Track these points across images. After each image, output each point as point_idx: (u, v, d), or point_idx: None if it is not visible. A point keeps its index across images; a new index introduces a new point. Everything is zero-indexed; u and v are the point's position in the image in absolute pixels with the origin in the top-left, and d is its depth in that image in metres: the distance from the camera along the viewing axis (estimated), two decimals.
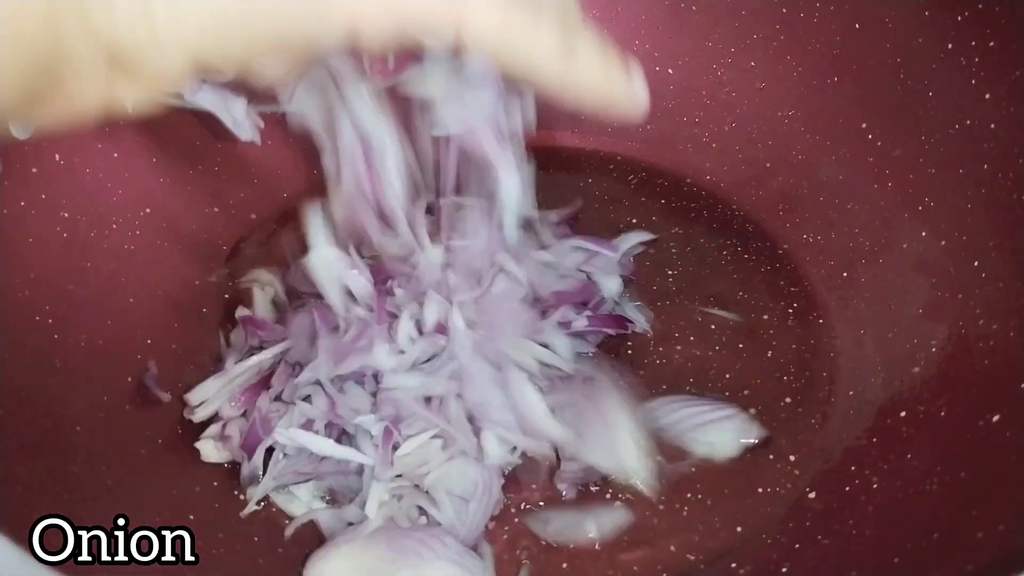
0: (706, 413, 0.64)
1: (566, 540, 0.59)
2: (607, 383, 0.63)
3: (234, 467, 0.63)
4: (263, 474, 0.62)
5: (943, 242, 0.68)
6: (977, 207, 0.66)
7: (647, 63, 0.89)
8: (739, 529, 0.59)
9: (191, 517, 0.58)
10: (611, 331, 0.70)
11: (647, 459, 0.61)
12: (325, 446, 0.60)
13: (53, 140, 0.68)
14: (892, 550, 0.52)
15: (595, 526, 0.59)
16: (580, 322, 0.68)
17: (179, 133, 0.78)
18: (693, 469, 0.62)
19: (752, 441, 0.63)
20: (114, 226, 0.71)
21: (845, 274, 0.74)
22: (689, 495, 0.61)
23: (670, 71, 0.90)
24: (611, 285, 0.73)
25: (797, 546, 0.57)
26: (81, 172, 0.70)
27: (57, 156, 0.68)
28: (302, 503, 0.61)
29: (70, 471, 0.55)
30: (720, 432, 0.63)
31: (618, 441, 0.61)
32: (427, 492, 0.60)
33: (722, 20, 0.87)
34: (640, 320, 0.72)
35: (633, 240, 0.79)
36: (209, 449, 0.63)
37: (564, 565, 0.58)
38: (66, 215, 0.68)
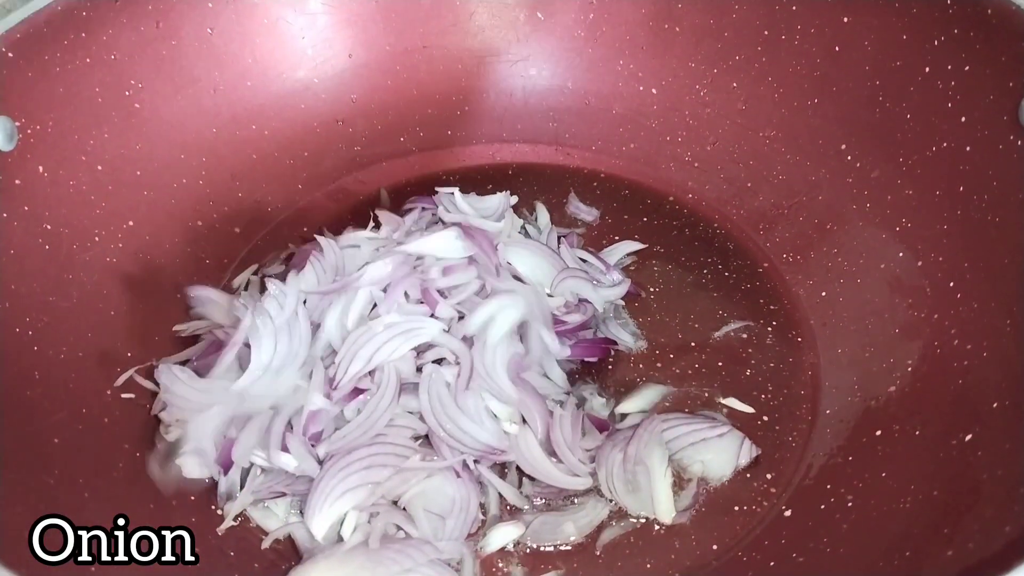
0: (702, 431, 0.64)
1: (545, 541, 0.60)
2: (649, 433, 0.63)
3: (212, 481, 0.63)
4: (240, 490, 0.62)
5: (920, 263, 0.69)
6: (953, 228, 0.67)
7: (630, 83, 0.92)
8: (715, 547, 0.60)
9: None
10: (594, 358, 0.71)
11: (674, 502, 0.61)
12: (291, 462, 0.60)
13: (37, 152, 0.68)
14: (864, 568, 0.52)
15: (573, 526, 0.60)
16: (564, 351, 0.69)
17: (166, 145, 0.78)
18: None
19: (745, 462, 0.64)
20: (96, 239, 0.71)
21: (824, 293, 0.75)
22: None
23: (653, 91, 0.91)
24: (608, 295, 0.74)
25: (772, 564, 0.57)
26: (64, 185, 0.70)
27: (40, 168, 0.68)
28: (279, 518, 0.61)
29: (46, 483, 0.55)
30: (715, 451, 0.63)
31: (657, 491, 0.61)
32: (403, 509, 0.60)
33: (704, 41, 0.88)
34: (626, 338, 0.72)
35: (623, 251, 0.79)
36: (191, 466, 0.63)
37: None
38: (48, 227, 0.68)
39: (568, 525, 0.59)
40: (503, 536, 0.59)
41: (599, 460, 0.63)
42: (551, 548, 0.60)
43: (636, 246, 0.81)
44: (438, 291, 0.67)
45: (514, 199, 0.80)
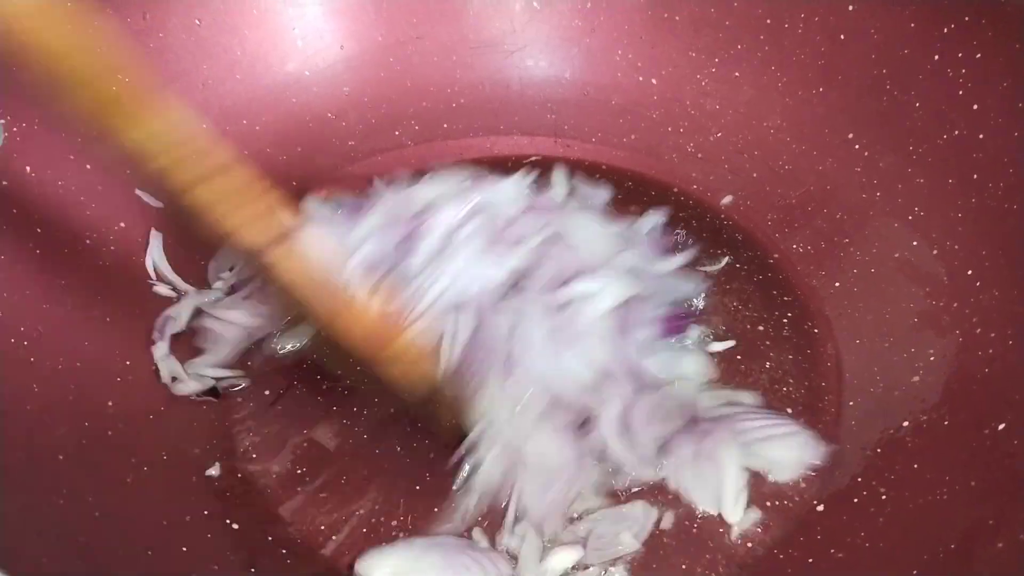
0: (770, 428, 0.62)
1: (609, 557, 0.57)
2: (723, 428, 0.61)
3: (228, 494, 0.60)
4: None
5: (935, 251, 0.69)
6: (968, 217, 0.67)
7: (630, 73, 0.91)
8: (750, 545, 0.59)
9: (183, 549, 0.55)
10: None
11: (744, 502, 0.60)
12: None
13: (23, 152, 0.64)
14: (909, 563, 0.52)
15: (630, 534, 0.58)
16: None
17: None
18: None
19: (816, 462, 0.62)
20: (88, 242, 0.68)
21: (838, 283, 0.74)
22: (699, 513, 0.60)
23: (654, 81, 0.90)
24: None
25: (811, 560, 0.56)
26: (53, 185, 0.66)
27: (28, 168, 0.65)
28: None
29: (56, 504, 0.51)
30: (784, 449, 0.61)
31: (725, 489, 0.59)
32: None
33: (705, 31, 0.87)
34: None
35: (651, 222, 0.77)
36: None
37: None
38: (39, 231, 0.64)
39: (625, 535, 0.57)
40: (563, 561, 0.57)
41: (669, 449, 0.61)
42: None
43: (660, 217, 0.78)
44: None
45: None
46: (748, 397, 0.66)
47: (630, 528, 0.58)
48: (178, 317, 0.69)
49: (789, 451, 0.61)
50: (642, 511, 0.59)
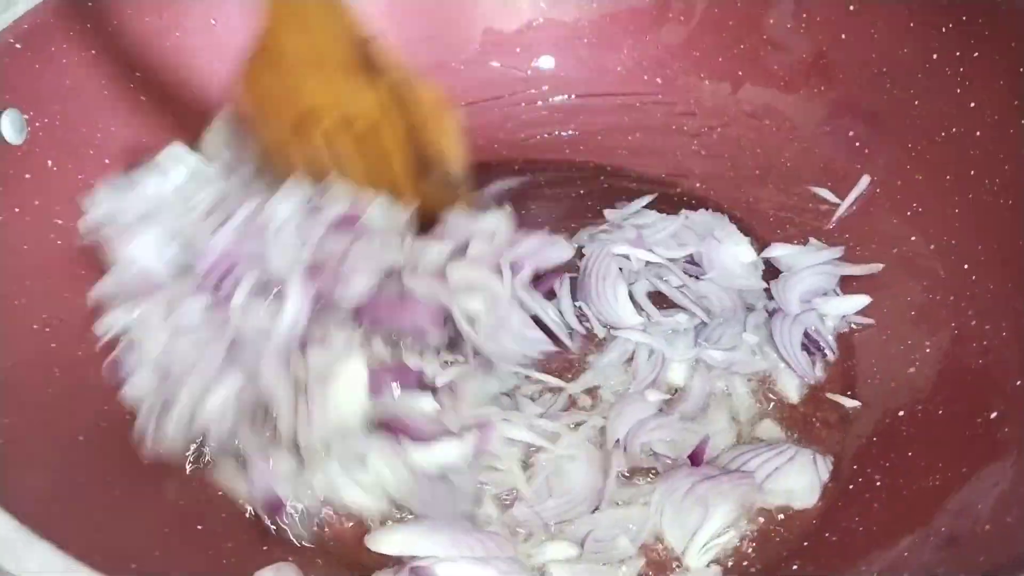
0: (772, 460, 0.61)
1: (604, 560, 0.58)
2: (729, 480, 0.60)
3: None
4: None
5: (932, 246, 0.70)
6: (965, 212, 0.68)
7: (634, 72, 0.93)
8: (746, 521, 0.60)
9: (199, 527, 0.57)
10: None
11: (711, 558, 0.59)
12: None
13: (45, 146, 0.67)
14: (901, 545, 0.53)
15: (627, 539, 0.58)
16: None
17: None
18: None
19: (826, 478, 0.61)
20: None
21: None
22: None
23: (658, 80, 0.91)
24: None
25: (805, 544, 0.58)
26: (73, 178, 0.69)
27: (50, 162, 0.67)
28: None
29: (78, 483, 0.54)
30: (795, 476, 0.60)
31: (698, 536, 0.58)
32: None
33: (708, 31, 0.89)
34: None
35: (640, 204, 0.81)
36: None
37: None
38: (60, 222, 0.66)
39: (622, 539, 0.58)
40: (558, 552, 0.58)
41: (664, 476, 0.61)
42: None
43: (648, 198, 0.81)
44: None
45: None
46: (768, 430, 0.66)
47: (627, 533, 0.59)
48: None
49: (800, 476, 0.60)
50: (639, 516, 0.60)
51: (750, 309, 0.73)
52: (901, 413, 0.63)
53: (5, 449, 0.51)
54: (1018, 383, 0.57)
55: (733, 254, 0.76)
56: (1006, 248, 0.64)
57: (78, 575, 0.38)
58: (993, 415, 0.57)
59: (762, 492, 0.60)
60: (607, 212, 0.82)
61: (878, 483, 0.60)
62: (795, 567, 0.56)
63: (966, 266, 0.67)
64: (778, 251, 0.76)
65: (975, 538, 0.50)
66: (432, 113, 0.67)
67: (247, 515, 0.60)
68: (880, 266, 0.72)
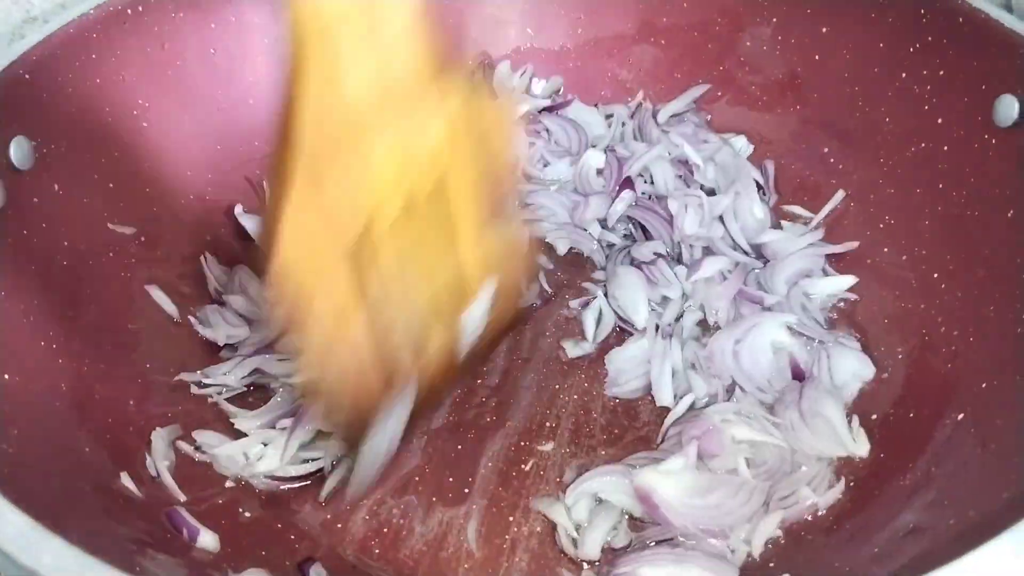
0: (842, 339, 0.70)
1: None
2: (818, 383, 0.68)
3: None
4: None
5: (904, 257, 0.73)
6: (934, 224, 0.71)
7: (620, 92, 0.96)
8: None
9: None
10: None
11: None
12: None
13: (52, 171, 0.69)
14: (870, 542, 0.56)
15: None
16: None
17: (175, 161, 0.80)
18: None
19: (868, 378, 0.69)
20: (111, 254, 0.73)
21: None
22: None
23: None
24: None
25: (783, 542, 0.60)
26: (79, 203, 0.71)
27: (56, 186, 0.70)
28: None
29: (83, 491, 0.56)
30: (850, 359, 0.69)
31: (840, 431, 0.64)
32: None
33: (688, 53, 0.92)
34: None
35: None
36: None
37: None
38: (66, 244, 0.69)
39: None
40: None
41: (776, 412, 0.67)
42: None
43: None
44: None
45: None
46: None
47: None
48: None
49: (851, 362, 0.69)
50: None
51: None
52: (874, 416, 0.66)
53: (14, 458, 0.53)
54: (983, 385, 0.60)
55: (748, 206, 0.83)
56: (972, 256, 0.67)
57: (89, 568, 0.40)
58: (960, 416, 0.60)
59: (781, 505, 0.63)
60: None
61: (852, 484, 0.62)
62: (771, 565, 0.58)
63: (936, 275, 0.69)
64: (766, 237, 0.81)
65: (944, 533, 0.52)
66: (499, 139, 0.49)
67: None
68: (856, 244, 0.78)
